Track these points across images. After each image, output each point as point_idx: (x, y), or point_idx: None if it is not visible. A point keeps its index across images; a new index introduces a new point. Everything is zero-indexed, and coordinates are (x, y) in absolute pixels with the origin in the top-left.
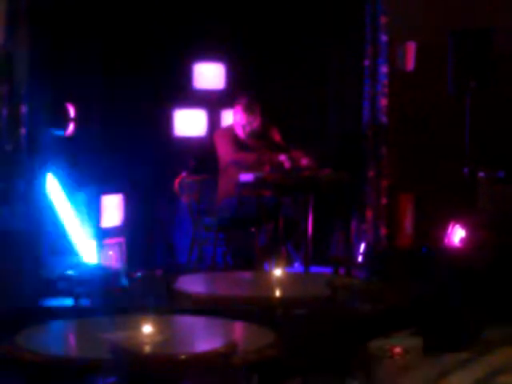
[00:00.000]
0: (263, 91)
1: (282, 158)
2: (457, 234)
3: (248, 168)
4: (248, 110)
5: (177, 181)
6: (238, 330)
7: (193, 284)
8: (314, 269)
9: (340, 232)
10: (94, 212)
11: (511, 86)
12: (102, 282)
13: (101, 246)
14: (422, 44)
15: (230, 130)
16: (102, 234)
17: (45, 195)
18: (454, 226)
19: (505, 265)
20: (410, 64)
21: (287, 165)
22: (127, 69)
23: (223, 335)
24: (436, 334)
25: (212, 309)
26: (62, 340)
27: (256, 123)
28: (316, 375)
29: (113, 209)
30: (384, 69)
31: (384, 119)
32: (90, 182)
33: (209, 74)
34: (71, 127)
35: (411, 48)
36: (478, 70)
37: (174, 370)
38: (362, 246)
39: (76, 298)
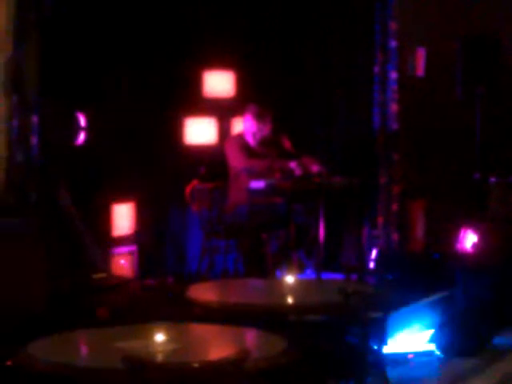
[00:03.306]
0: (273, 99)
1: (293, 165)
2: (468, 240)
3: (259, 175)
4: (258, 117)
5: (188, 189)
6: (250, 337)
7: (204, 292)
8: (326, 275)
9: (351, 238)
10: (105, 221)
11: None
12: (114, 291)
13: (112, 255)
14: (431, 50)
15: (241, 137)
16: (114, 243)
17: (57, 205)
18: (465, 232)
19: None
20: (420, 70)
21: (298, 172)
22: (137, 77)
23: (235, 343)
24: (448, 340)
25: (224, 317)
26: (74, 350)
27: (266, 130)
28: (329, 381)
29: (124, 217)
30: (394, 75)
31: (395, 125)
32: (100, 190)
33: (219, 82)
34: (82, 137)
35: (421, 54)
36: (486, 75)
37: (186, 379)
38: (374, 252)
39: (92, 307)
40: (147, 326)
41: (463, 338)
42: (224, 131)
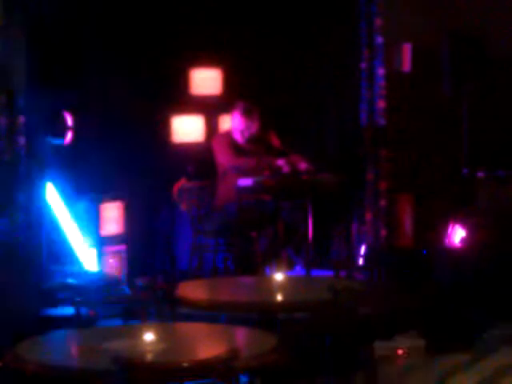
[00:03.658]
0: (260, 95)
1: (281, 162)
2: (457, 235)
3: (247, 173)
4: (246, 114)
5: (176, 187)
6: (240, 335)
7: (194, 290)
8: (315, 272)
9: (340, 234)
10: (93, 220)
11: (507, 85)
12: (102, 291)
13: (101, 254)
14: (417, 45)
15: (228, 135)
16: (102, 242)
17: (44, 205)
18: (454, 227)
19: (506, 264)
20: (407, 65)
21: (286, 169)
22: (124, 75)
23: (225, 341)
24: (439, 335)
25: (213, 315)
26: (63, 350)
27: (254, 128)
28: (319, 378)
29: (112, 217)
30: (381, 71)
31: (382, 121)
32: (89, 190)
33: (206, 80)
34: (69, 136)
35: (407, 49)
36: (473, 70)
37: (176, 378)
38: (363, 249)
39: (77, 307)
40: (137, 326)
41: (453, 332)
42: (211, 129)
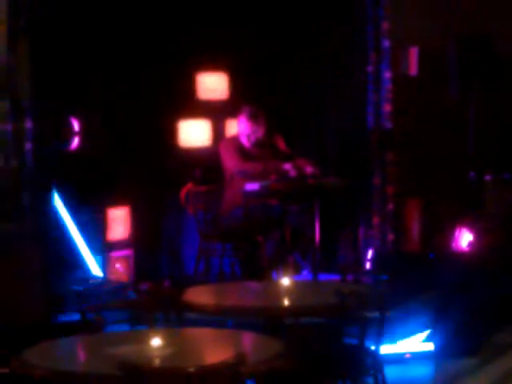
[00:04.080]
0: (266, 100)
1: (287, 166)
2: (464, 238)
3: (254, 177)
4: (252, 119)
5: (183, 192)
6: (247, 340)
7: (201, 295)
8: (322, 276)
9: (347, 239)
10: (100, 225)
11: None
12: (109, 296)
13: (108, 259)
14: (424, 49)
15: (235, 139)
16: (109, 247)
17: (51, 210)
18: (461, 230)
19: None
20: (413, 69)
21: (292, 173)
22: (130, 80)
23: (232, 346)
24: (446, 339)
25: (220, 320)
26: (71, 356)
27: (260, 132)
28: (326, 383)
29: (119, 222)
30: (387, 74)
31: (388, 124)
32: (95, 195)
33: (212, 84)
34: (76, 141)
35: (414, 53)
36: (481, 73)
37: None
38: (370, 253)
39: (84, 313)
40: (144, 331)
41: (461, 336)
42: (218, 133)
